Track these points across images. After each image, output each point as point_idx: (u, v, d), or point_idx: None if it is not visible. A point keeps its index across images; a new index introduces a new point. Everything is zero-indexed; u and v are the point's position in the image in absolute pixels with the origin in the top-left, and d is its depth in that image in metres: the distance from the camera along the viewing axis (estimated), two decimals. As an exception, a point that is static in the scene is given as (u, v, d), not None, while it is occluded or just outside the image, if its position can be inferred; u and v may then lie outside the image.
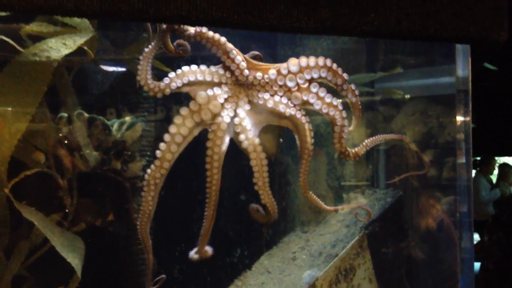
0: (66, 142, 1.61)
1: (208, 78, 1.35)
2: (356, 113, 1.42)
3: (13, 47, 1.52)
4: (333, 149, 2.27)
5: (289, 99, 1.37)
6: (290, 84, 1.35)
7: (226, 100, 1.35)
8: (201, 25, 1.27)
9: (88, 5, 1.10)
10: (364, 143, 1.40)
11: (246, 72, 1.34)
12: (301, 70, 1.34)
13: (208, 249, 1.41)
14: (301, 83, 1.35)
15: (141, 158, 2.02)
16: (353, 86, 1.39)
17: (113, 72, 2.01)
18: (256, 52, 1.45)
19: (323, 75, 1.36)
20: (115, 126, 1.89)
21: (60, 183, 1.57)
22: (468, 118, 1.70)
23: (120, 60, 1.93)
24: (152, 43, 1.30)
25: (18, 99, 1.43)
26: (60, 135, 1.60)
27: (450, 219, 2.43)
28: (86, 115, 1.73)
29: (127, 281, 2.08)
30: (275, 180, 2.60)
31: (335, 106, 1.37)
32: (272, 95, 1.35)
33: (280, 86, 1.35)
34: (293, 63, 1.35)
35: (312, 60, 1.35)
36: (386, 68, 2.45)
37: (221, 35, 1.35)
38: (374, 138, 1.42)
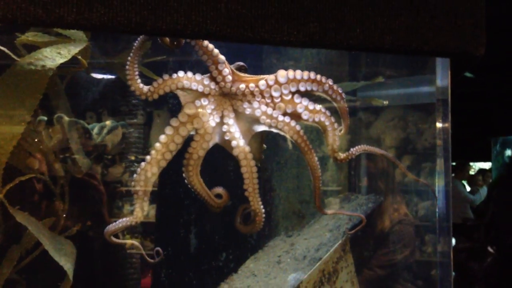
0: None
1: (194, 87, 1.40)
2: (345, 117, 1.48)
3: (8, 56, 1.56)
4: (323, 153, 2.34)
5: (273, 109, 1.42)
6: (274, 94, 1.40)
7: (212, 109, 1.40)
8: (196, 38, 1.32)
9: (87, 18, 1.15)
10: (351, 151, 1.46)
11: (229, 85, 1.39)
12: (288, 82, 1.40)
13: None
14: (285, 93, 1.40)
15: (121, 162, 2.05)
16: (340, 89, 1.45)
17: (103, 79, 2.05)
18: (241, 63, 1.50)
19: (309, 88, 1.42)
20: (96, 130, 1.91)
21: (52, 188, 1.61)
22: (447, 125, 1.78)
23: (110, 67, 1.97)
24: (134, 49, 1.35)
25: (14, 107, 1.47)
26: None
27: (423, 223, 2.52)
28: (66, 118, 1.75)
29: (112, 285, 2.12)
30: (260, 185, 2.66)
31: (323, 113, 1.42)
32: (256, 105, 1.40)
33: (264, 97, 1.40)
34: (281, 75, 1.40)
35: (298, 73, 1.41)
36: (368, 77, 2.52)
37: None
38: (360, 147, 1.48)
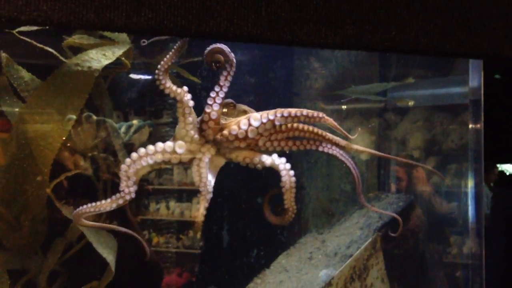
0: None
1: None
2: (337, 128, 1.50)
3: (53, 57, 1.63)
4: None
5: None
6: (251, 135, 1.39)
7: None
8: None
9: (136, 22, 1.21)
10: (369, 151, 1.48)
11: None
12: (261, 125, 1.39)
13: None
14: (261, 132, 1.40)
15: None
16: (320, 114, 1.45)
17: (142, 79, 2.12)
18: (230, 100, 1.51)
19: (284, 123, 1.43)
20: (123, 129, 1.95)
21: (96, 184, 1.68)
22: (479, 126, 1.80)
23: (148, 68, 2.03)
24: (173, 51, 1.40)
25: (61, 106, 1.54)
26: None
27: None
28: (95, 117, 1.77)
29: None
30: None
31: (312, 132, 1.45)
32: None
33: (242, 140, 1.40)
34: (254, 118, 1.39)
35: (271, 114, 1.41)
36: (399, 78, 2.55)
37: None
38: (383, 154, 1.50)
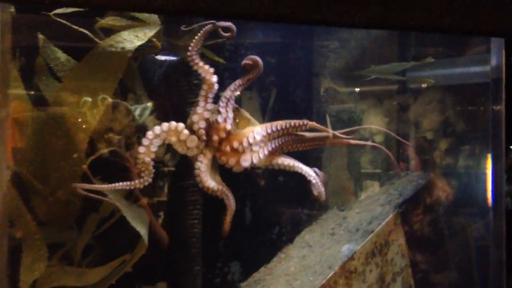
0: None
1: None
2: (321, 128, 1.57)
3: (85, 39, 1.69)
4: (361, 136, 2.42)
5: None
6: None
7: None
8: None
9: (172, 3, 1.27)
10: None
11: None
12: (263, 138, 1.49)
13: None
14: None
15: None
16: (305, 121, 1.52)
17: (168, 60, 2.17)
18: (235, 105, 1.58)
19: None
20: (138, 111, 2.00)
21: (129, 161, 1.74)
22: (500, 107, 1.83)
23: (175, 50, 2.08)
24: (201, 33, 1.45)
25: (96, 86, 1.61)
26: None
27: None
28: (110, 99, 1.79)
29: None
30: (310, 163, 2.75)
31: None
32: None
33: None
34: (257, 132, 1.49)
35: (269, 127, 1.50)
36: (418, 58, 2.58)
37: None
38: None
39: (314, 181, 1.51)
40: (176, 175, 2.04)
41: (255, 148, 1.48)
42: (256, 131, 1.49)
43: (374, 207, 2.27)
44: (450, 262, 2.43)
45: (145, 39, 1.64)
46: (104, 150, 1.67)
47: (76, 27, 1.60)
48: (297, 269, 2.08)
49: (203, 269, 2.31)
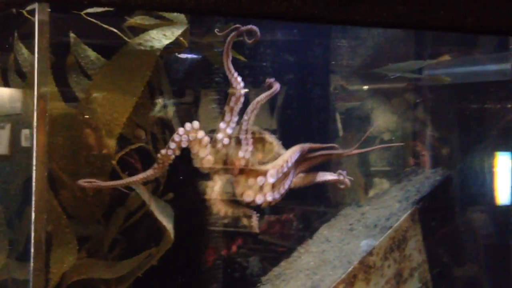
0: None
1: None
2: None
3: (113, 38, 1.74)
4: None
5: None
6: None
7: None
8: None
9: (204, 4, 1.31)
10: None
11: None
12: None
13: None
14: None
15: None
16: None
17: (190, 58, 2.21)
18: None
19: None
20: (157, 107, 2.02)
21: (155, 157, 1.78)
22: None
23: (197, 48, 2.12)
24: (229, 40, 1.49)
25: (126, 83, 1.65)
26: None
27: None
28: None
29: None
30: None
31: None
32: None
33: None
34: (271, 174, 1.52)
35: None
36: (434, 56, 2.61)
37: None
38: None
39: (340, 177, 1.55)
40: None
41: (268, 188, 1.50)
42: (270, 174, 1.51)
43: (392, 203, 2.30)
44: (466, 258, 2.47)
45: (173, 38, 1.68)
46: (133, 146, 1.72)
47: (107, 26, 1.64)
48: (317, 263, 2.12)
49: (223, 263, 2.36)
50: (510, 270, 2.14)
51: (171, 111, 1.99)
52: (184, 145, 1.48)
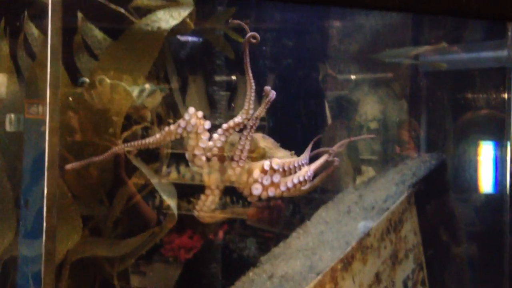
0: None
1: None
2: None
3: (120, 19, 1.75)
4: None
5: None
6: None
7: None
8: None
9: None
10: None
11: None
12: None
13: None
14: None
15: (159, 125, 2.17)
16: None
17: (192, 41, 2.22)
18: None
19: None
20: (135, 93, 1.99)
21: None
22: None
23: (199, 31, 2.13)
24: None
25: (133, 64, 1.67)
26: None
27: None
28: (108, 81, 1.78)
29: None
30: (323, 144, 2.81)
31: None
32: None
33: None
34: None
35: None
36: (431, 42, 2.64)
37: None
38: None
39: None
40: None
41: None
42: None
43: (388, 186, 2.34)
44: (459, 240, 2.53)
45: (180, 19, 1.69)
46: (138, 126, 1.74)
47: (114, 6, 1.65)
48: (315, 244, 2.16)
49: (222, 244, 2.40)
50: (503, 251, 2.20)
51: (143, 95, 1.95)
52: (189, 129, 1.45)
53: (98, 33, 1.69)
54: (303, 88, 2.61)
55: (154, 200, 2.07)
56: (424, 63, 2.69)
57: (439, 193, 2.43)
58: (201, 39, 2.21)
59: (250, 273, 2.12)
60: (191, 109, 1.41)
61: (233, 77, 2.37)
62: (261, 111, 1.45)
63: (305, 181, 1.47)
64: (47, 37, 1.26)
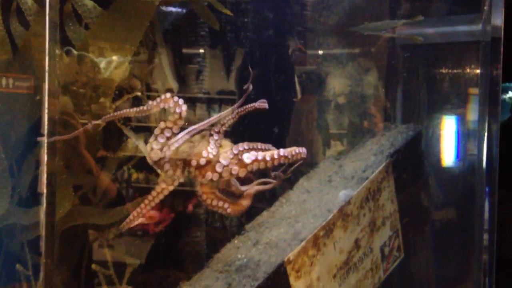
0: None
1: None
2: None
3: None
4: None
5: None
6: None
7: None
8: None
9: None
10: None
11: None
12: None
13: None
14: None
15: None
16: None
17: (175, 11, 2.22)
18: None
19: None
20: (103, 65, 1.89)
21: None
22: (498, 67, 1.92)
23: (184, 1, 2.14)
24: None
25: (123, 34, 1.67)
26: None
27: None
28: (75, 52, 1.77)
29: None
30: (304, 115, 2.86)
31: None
32: None
33: None
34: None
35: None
36: (408, 16, 2.69)
37: None
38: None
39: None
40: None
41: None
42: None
43: (367, 156, 2.42)
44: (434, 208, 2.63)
45: (170, -12, 1.70)
46: (129, 95, 1.75)
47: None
48: (298, 212, 2.23)
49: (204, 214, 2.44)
50: (473, 218, 2.31)
51: (111, 67, 1.95)
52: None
53: (88, 2, 1.69)
54: (273, 62, 2.64)
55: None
56: (401, 37, 2.75)
57: (415, 163, 2.52)
58: (185, 10, 2.22)
59: (235, 241, 2.17)
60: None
61: (201, 50, 2.38)
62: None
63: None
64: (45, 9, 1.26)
